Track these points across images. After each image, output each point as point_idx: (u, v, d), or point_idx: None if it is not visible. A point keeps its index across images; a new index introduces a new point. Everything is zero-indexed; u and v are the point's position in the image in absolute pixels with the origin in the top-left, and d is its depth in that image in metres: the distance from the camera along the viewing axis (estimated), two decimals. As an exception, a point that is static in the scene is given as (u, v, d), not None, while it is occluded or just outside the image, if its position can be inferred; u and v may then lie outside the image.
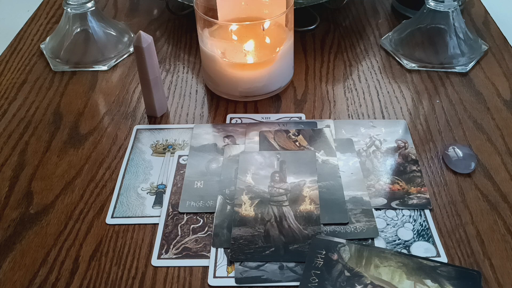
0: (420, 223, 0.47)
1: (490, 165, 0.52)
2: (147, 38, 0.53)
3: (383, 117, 0.59)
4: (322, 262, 0.43)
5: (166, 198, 0.50)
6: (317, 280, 0.42)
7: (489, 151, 0.54)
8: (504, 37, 0.71)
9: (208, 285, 0.43)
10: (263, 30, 0.58)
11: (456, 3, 0.64)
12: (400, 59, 0.67)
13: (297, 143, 0.55)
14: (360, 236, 0.45)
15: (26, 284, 0.43)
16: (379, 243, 0.45)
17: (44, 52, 0.70)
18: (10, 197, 0.51)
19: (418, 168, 0.52)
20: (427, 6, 0.65)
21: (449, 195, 0.50)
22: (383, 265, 0.43)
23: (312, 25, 0.73)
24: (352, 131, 0.56)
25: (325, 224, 0.46)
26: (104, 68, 0.67)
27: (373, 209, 0.48)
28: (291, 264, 0.44)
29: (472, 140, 0.55)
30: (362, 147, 0.54)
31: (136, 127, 0.58)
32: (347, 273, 0.42)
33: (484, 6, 0.78)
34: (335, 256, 0.43)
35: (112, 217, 0.49)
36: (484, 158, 0.53)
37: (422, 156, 0.54)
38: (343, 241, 0.45)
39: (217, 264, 0.44)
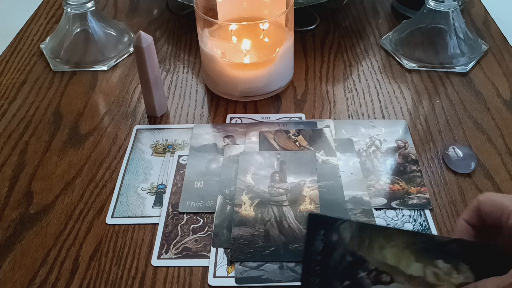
0: (420, 223, 0.47)
1: (490, 165, 0.52)
2: (147, 38, 0.53)
3: (383, 117, 0.59)
4: (322, 245, 0.39)
5: (166, 198, 0.50)
6: (319, 267, 0.38)
7: (489, 151, 0.54)
8: (504, 37, 0.71)
9: (208, 285, 0.43)
10: (263, 30, 0.58)
11: (456, 3, 0.64)
12: (400, 59, 0.67)
13: (297, 143, 0.55)
14: (360, 236, 0.45)
15: (26, 284, 0.43)
16: (379, 243, 0.45)
17: (44, 52, 0.70)
18: (10, 197, 0.51)
19: (418, 168, 0.52)
20: (427, 6, 0.65)
21: (449, 195, 0.50)
22: (388, 245, 0.38)
23: (312, 25, 0.73)
24: (352, 131, 0.56)
25: (325, 224, 0.46)
26: (104, 68, 0.67)
27: (373, 209, 0.48)
28: (291, 264, 0.44)
29: (472, 140, 0.55)
30: (362, 147, 0.54)
31: (136, 127, 0.58)
32: (349, 258, 0.38)
33: (484, 6, 0.78)
34: (335, 237, 0.39)
35: (112, 217, 0.49)
36: (484, 158, 0.53)
37: (422, 156, 0.54)
38: (343, 218, 0.40)
39: (217, 264, 0.44)
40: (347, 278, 0.38)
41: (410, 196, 0.49)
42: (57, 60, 0.68)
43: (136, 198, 0.50)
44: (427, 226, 0.47)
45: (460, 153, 0.53)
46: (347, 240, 0.38)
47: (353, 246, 0.38)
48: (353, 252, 0.38)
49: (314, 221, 0.39)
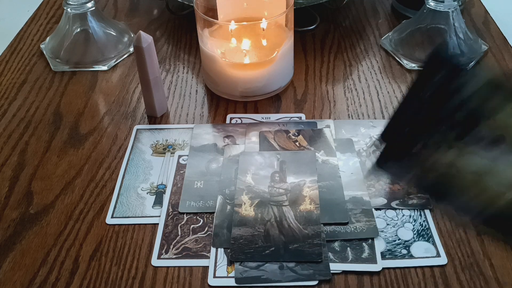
0: (420, 223, 0.47)
1: (490, 165, 0.52)
2: (147, 38, 0.53)
3: (383, 117, 0.59)
4: (435, 88, 0.32)
5: (166, 198, 0.50)
6: (422, 109, 0.33)
7: (489, 151, 0.54)
8: (504, 37, 0.71)
9: (208, 285, 0.43)
10: (263, 30, 0.58)
11: (456, 3, 0.64)
12: (400, 59, 0.67)
13: (297, 143, 0.55)
14: (360, 236, 0.45)
15: (26, 284, 0.43)
16: (379, 243, 0.45)
17: (44, 52, 0.70)
18: (10, 197, 0.51)
19: (418, 168, 0.52)
20: (427, 6, 0.65)
21: (449, 195, 0.50)
22: None
23: (312, 25, 0.73)
24: (352, 131, 0.56)
25: (325, 224, 0.46)
26: (104, 68, 0.67)
27: (373, 209, 0.48)
28: (291, 264, 0.44)
29: (472, 140, 0.55)
30: (362, 147, 0.54)
31: (136, 127, 0.58)
32: (462, 113, 0.32)
33: (484, 6, 0.78)
34: (455, 85, 0.32)
35: (112, 217, 0.49)
36: (484, 158, 0.53)
37: (422, 156, 0.54)
38: (473, 69, 0.35)
39: (217, 264, 0.44)
40: (456, 130, 0.32)
41: (410, 196, 0.49)
42: (57, 60, 0.68)
43: (136, 198, 0.50)
44: (427, 226, 0.47)
45: (460, 153, 0.53)
46: (469, 93, 0.32)
47: (475, 102, 0.31)
48: (473, 109, 0.31)
49: (437, 59, 0.33)
